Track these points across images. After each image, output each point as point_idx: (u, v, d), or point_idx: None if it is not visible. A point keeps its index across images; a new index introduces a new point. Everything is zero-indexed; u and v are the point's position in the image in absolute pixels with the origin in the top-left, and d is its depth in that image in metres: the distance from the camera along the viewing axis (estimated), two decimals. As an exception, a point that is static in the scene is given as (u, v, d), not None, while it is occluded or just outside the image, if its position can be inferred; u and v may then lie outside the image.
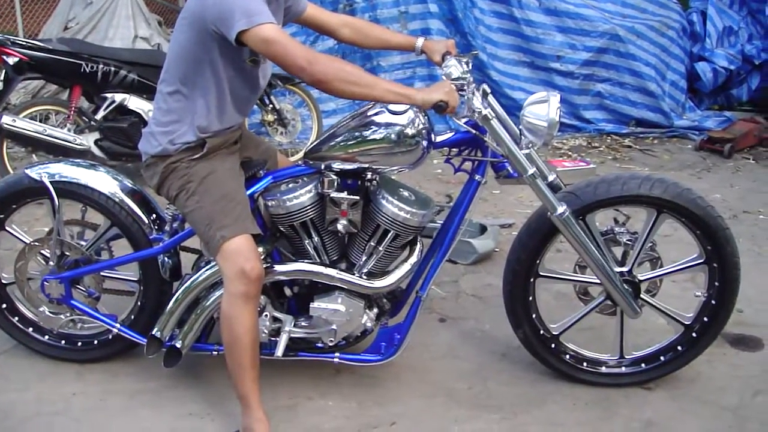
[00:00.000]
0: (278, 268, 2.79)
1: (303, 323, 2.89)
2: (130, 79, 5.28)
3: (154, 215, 3.02)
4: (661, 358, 3.06)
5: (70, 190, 2.95)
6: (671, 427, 2.81)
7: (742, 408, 2.92)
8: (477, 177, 2.80)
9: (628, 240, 2.93)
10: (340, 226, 2.74)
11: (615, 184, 2.80)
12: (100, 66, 5.17)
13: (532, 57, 6.98)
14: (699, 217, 2.79)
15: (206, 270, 2.82)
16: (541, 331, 3.05)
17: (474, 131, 2.69)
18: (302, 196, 2.74)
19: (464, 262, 4.17)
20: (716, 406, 2.92)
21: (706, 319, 2.96)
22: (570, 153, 6.53)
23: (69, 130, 5.16)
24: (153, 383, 3.06)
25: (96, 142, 5.21)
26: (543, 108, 2.61)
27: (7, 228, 3.11)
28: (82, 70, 5.11)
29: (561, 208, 2.73)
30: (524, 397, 2.98)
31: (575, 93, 6.89)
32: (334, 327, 2.84)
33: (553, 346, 3.07)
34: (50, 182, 2.91)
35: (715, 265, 2.88)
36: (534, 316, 3.03)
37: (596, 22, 6.87)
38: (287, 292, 2.93)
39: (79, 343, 3.19)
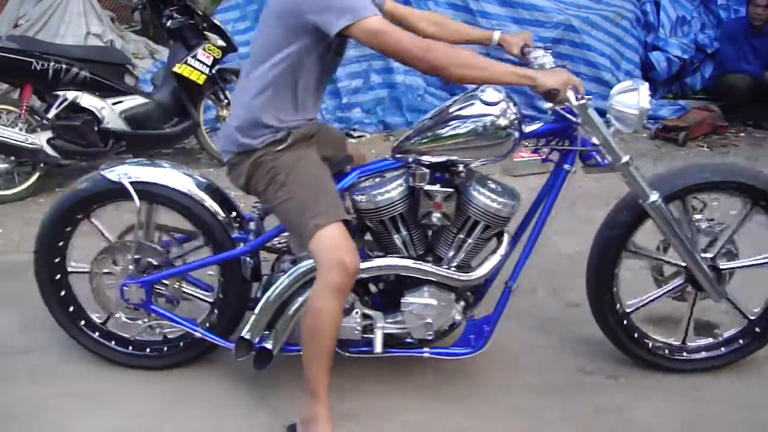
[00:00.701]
0: (372, 263, 2.77)
1: (394, 319, 2.87)
2: (83, 76, 5.23)
3: (235, 213, 2.98)
4: (722, 349, 3.11)
5: (151, 192, 2.89)
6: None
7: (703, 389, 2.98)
8: (566, 166, 2.80)
9: (708, 227, 2.97)
10: (435, 219, 2.74)
11: (705, 171, 2.89)
12: (51, 63, 5.10)
13: (488, 49, 6.93)
14: None
15: (297, 269, 2.78)
16: (618, 306, 3.07)
17: (573, 118, 2.66)
18: (393, 191, 2.73)
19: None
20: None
21: None
22: (527, 144, 6.49)
23: (20, 129, 5.06)
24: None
25: (48, 141, 5.12)
26: (633, 97, 2.65)
27: (92, 220, 3.03)
28: (32, 67, 5.04)
29: (654, 196, 2.76)
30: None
31: None
32: (429, 320, 2.83)
33: (625, 322, 3.10)
34: (130, 183, 2.84)
35: None
36: (615, 290, 3.04)
37: (551, 13, 6.86)
38: (373, 288, 2.91)
39: (148, 350, 3.14)
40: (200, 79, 5.58)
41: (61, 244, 3.03)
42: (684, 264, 2.96)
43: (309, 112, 2.73)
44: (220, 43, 5.73)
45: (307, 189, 2.62)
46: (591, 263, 3.01)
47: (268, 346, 2.74)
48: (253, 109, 2.65)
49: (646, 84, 2.69)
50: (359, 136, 6.68)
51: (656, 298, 3.12)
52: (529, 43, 2.94)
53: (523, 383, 3.07)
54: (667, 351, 3.12)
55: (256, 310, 2.78)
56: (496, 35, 3.02)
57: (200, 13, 5.85)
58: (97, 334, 3.16)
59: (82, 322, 3.15)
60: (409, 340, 2.91)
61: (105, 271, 3.02)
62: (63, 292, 3.12)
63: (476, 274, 2.81)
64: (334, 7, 2.40)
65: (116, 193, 2.90)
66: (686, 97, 7.53)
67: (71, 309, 3.14)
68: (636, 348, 3.09)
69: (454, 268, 2.81)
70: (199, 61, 5.56)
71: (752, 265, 3.05)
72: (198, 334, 2.98)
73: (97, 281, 3.02)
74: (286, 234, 2.92)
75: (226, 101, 5.86)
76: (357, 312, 2.84)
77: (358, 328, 2.84)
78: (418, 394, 3.00)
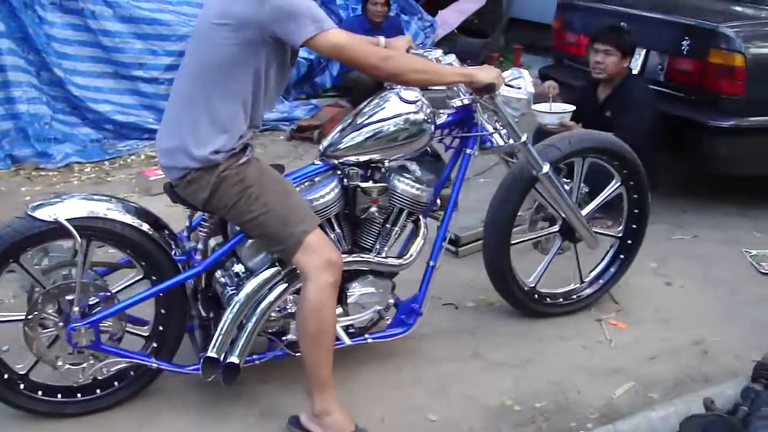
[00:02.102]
0: None
1: (341, 311, 3.01)
2: None
3: (167, 233, 2.92)
4: (611, 269, 3.79)
5: (90, 227, 2.72)
6: (284, 412, 2.94)
7: (348, 380, 3.17)
8: (468, 150, 3.15)
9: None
10: (374, 213, 2.95)
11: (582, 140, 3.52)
12: None
13: (115, 67, 6.91)
14: (616, 152, 3.55)
15: (255, 281, 2.83)
16: (521, 286, 3.55)
17: (484, 106, 3.05)
18: (329, 194, 2.90)
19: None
20: None
21: (633, 226, 3.73)
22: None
23: None
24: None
25: None
26: (519, 84, 3.14)
27: (22, 263, 2.75)
28: None
29: (546, 167, 3.28)
30: (135, 414, 2.98)
31: (162, 98, 6.82)
32: (377, 307, 3.06)
33: (536, 296, 3.63)
34: (66, 221, 2.64)
35: (631, 183, 3.62)
36: (518, 279, 3.54)
37: (174, 26, 6.96)
38: None
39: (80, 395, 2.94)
40: None
41: None
42: (556, 229, 3.59)
43: (259, 119, 2.79)
44: None
45: (283, 199, 2.70)
46: (491, 240, 3.47)
47: (235, 360, 2.79)
48: (207, 122, 2.62)
49: (527, 71, 3.25)
50: (-14, 174, 6.14)
51: (529, 240, 3.66)
52: (412, 45, 3.24)
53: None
54: (575, 296, 3.73)
55: (221, 328, 2.80)
56: (382, 40, 3.18)
57: None
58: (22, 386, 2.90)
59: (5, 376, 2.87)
60: (351, 330, 3.10)
61: (42, 317, 2.79)
62: None
63: (408, 259, 3.10)
64: (297, 17, 2.49)
65: (51, 233, 2.71)
66: (318, 96, 7.98)
67: None
68: (550, 309, 3.69)
69: (385, 257, 3.07)
70: None
71: (601, 202, 3.69)
72: (153, 365, 2.90)
73: (33, 329, 2.79)
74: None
75: None
76: None
77: None
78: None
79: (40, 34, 6.48)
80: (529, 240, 3.67)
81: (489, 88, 2.91)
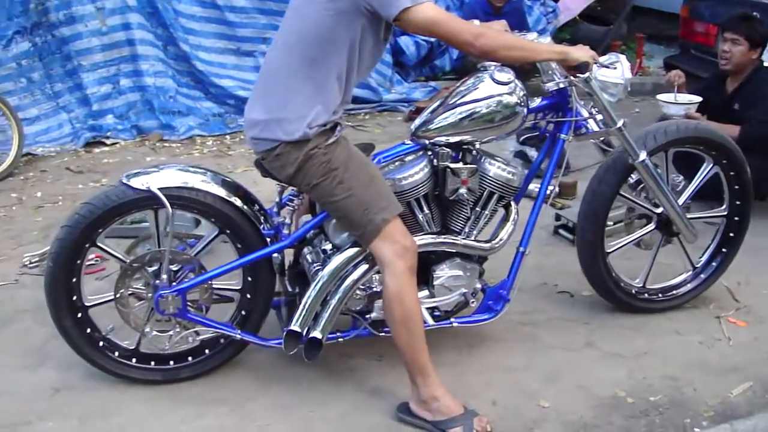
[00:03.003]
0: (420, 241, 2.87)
1: (424, 295, 2.98)
2: None
3: (257, 208, 2.95)
4: (713, 264, 3.62)
5: (181, 196, 2.78)
6: (396, 391, 2.95)
7: (460, 362, 3.21)
8: (562, 136, 3.07)
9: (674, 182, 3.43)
10: (464, 194, 2.89)
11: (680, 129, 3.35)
12: None
13: (238, 43, 7.06)
14: (702, 139, 3.38)
15: (340, 258, 2.81)
16: (624, 287, 3.48)
17: (573, 87, 2.99)
18: (418, 173, 2.87)
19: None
20: (437, 364, 2.94)
21: (738, 202, 3.56)
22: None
23: None
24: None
25: None
26: (616, 70, 3.00)
27: (99, 245, 2.85)
28: None
29: (643, 155, 3.15)
30: (249, 386, 3.03)
31: None
32: (464, 290, 3.01)
33: (645, 296, 3.54)
34: (159, 190, 2.71)
35: (724, 161, 3.44)
36: (614, 274, 3.43)
37: None
38: None
39: (171, 362, 3.03)
40: None
41: (74, 280, 2.86)
42: (653, 226, 3.43)
43: (350, 98, 2.78)
44: None
45: (366, 185, 2.68)
46: (587, 211, 3.35)
47: (318, 335, 2.78)
48: (301, 95, 2.61)
49: (623, 57, 3.10)
50: (113, 144, 6.38)
51: (628, 242, 3.52)
52: (507, 30, 3.20)
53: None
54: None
55: (305, 302, 2.80)
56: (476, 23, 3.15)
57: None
58: (133, 360, 3.00)
59: (116, 353, 2.98)
60: (437, 313, 3.07)
61: (130, 292, 2.88)
62: (88, 329, 2.95)
63: (497, 243, 3.03)
64: None
65: (142, 202, 2.78)
66: (437, 79, 7.96)
67: (101, 344, 2.97)
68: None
69: (474, 240, 3.01)
70: None
71: (707, 217, 3.60)
72: (237, 336, 2.94)
73: (125, 304, 2.89)
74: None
75: None
76: None
77: None
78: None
79: (168, 10, 6.74)
80: (628, 243, 3.53)
81: (582, 67, 2.83)
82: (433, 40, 7.62)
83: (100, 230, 2.80)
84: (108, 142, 6.44)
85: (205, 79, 6.90)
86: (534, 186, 3.18)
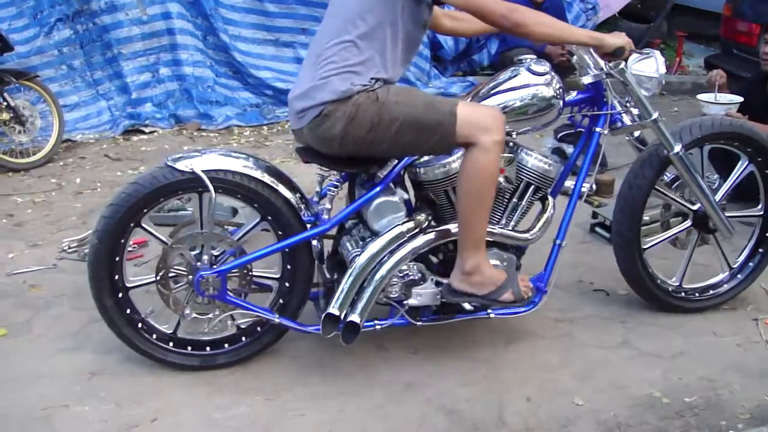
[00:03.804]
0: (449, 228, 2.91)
1: None
2: None
3: (299, 195, 2.96)
4: (750, 264, 3.58)
5: (223, 179, 2.81)
6: (430, 384, 2.97)
7: (495, 357, 3.20)
8: (598, 129, 3.08)
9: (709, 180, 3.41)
10: (501, 183, 2.89)
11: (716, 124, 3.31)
12: None
13: (277, 34, 7.08)
14: (738, 135, 3.34)
15: (379, 241, 2.85)
16: (661, 285, 3.46)
17: (609, 80, 3.00)
18: (455, 161, 2.87)
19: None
20: (472, 359, 3.11)
21: None
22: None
23: None
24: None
25: None
26: (651, 64, 3.02)
27: (143, 225, 2.90)
28: None
29: (678, 147, 3.13)
30: (285, 375, 3.04)
31: None
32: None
33: (682, 294, 3.51)
34: (202, 172, 2.74)
35: (759, 159, 3.39)
36: (650, 271, 3.41)
37: None
38: (433, 259, 3.01)
39: (208, 348, 3.06)
40: None
41: (117, 259, 2.89)
42: (689, 223, 3.41)
43: (394, 76, 2.81)
44: None
45: (420, 96, 2.77)
46: (623, 206, 3.32)
47: (356, 319, 2.80)
48: (345, 61, 2.67)
49: (658, 51, 3.10)
50: (151, 132, 6.44)
51: (664, 239, 3.49)
52: None
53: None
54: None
55: (344, 286, 2.82)
56: None
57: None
58: (171, 344, 3.03)
59: (154, 336, 3.01)
60: (474, 303, 3.03)
61: (172, 273, 2.91)
62: (128, 310, 2.97)
63: (535, 233, 3.03)
64: None
65: (186, 184, 2.81)
66: (475, 74, 7.94)
67: (139, 326, 2.99)
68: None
69: (511, 230, 3.02)
70: None
71: (743, 217, 3.56)
72: (276, 320, 2.95)
73: (166, 285, 2.92)
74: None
75: (5, 104, 5.54)
76: (431, 280, 2.95)
77: (438, 295, 2.95)
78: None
79: (209, 0, 6.67)
80: (663, 239, 3.50)
81: (618, 53, 2.83)
82: (471, 34, 7.63)
83: (146, 210, 2.84)
84: (146, 130, 6.52)
85: (243, 69, 6.95)
86: (570, 183, 3.17)
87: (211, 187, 2.75)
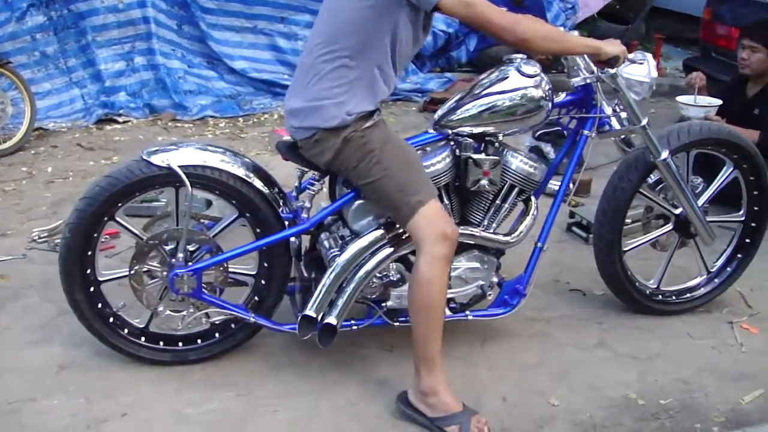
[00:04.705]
0: None
1: None
2: None
3: (277, 190, 2.92)
4: (728, 269, 3.59)
5: (200, 175, 2.75)
6: (405, 382, 2.86)
7: (472, 356, 3.19)
8: (585, 132, 3.06)
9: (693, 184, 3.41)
10: (485, 186, 2.87)
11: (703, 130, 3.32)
12: None
13: (255, 21, 7.02)
14: (726, 141, 3.34)
15: (359, 244, 2.80)
16: (640, 287, 3.45)
17: (599, 83, 2.99)
18: (440, 162, 2.85)
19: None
20: (449, 357, 3.00)
21: (755, 208, 3.51)
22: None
23: None
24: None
25: None
26: (642, 68, 3.00)
27: (117, 219, 2.83)
28: None
29: (665, 154, 3.12)
30: (258, 372, 3.01)
31: (298, 55, 6.85)
32: (480, 283, 2.99)
33: (659, 297, 3.51)
34: (179, 167, 2.68)
35: (744, 166, 3.40)
36: (629, 273, 3.40)
37: None
38: (413, 259, 2.90)
39: (180, 344, 3.00)
40: None
41: (89, 253, 2.83)
42: (670, 226, 3.40)
43: (393, 86, 2.77)
44: None
45: (402, 167, 2.66)
46: (606, 207, 3.30)
47: (333, 321, 2.76)
48: (341, 84, 2.62)
49: (650, 55, 3.09)
50: (125, 122, 6.37)
51: (645, 242, 3.49)
52: None
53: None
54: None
55: (322, 287, 2.77)
56: None
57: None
58: (142, 339, 2.98)
59: (125, 331, 2.95)
60: (452, 305, 3.04)
61: (146, 269, 2.86)
62: (100, 304, 2.91)
63: (516, 237, 3.01)
64: None
65: (162, 179, 2.75)
66: (452, 70, 7.93)
67: (111, 320, 2.94)
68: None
69: (493, 233, 2.98)
70: None
71: (723, 222, 3.58)
72: (251, 320, 2.91)
73: (139, 281, 2.86)
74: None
75: None
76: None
77: None
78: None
79: (186, -12, 6.65)
80: (644, 242, 3.50)
81: (613, 62, 2.81)
82: (451, 30, 7.67)
83: (120, 204, 2.78)
84: (120, 119, 6.41)
85: (218, 59, 6.88)
86: (553, 183, 3.15)
87: (188, 184, 2.70)
